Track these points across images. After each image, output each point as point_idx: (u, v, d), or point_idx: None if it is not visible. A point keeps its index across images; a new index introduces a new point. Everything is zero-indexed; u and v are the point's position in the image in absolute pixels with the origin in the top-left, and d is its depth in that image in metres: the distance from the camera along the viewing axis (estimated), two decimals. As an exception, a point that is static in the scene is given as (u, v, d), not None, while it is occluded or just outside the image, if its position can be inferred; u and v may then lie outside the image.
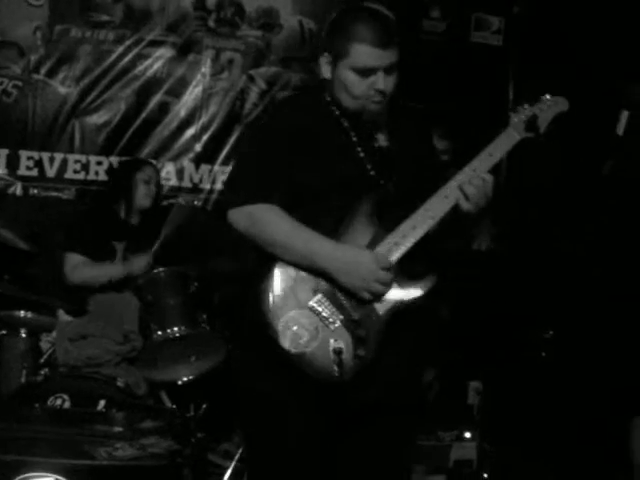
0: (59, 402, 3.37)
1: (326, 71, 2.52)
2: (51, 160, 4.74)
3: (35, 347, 3.87)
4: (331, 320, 2.41)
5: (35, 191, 4.76)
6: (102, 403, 3.38)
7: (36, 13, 4.68)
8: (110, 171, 4.78)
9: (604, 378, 4.59)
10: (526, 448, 4.30)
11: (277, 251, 2.44)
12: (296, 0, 5.15)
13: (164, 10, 4.90)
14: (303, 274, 2.44)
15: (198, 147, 5.00)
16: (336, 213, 2.47)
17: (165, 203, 4.82)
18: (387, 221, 2.48)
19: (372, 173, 2.53)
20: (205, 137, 5.02)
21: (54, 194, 4.75)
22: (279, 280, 2.44)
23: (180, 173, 4.99)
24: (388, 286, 2.42)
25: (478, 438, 4.16)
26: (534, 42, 5.13)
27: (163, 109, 4.95)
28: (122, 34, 4.85)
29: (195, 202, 4.72)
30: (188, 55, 4.98)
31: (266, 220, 2.45)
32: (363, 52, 2.42)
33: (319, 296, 2.43)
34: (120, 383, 3.55)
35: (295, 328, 2.38)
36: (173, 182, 4.97)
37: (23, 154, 4.72)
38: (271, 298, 2.41)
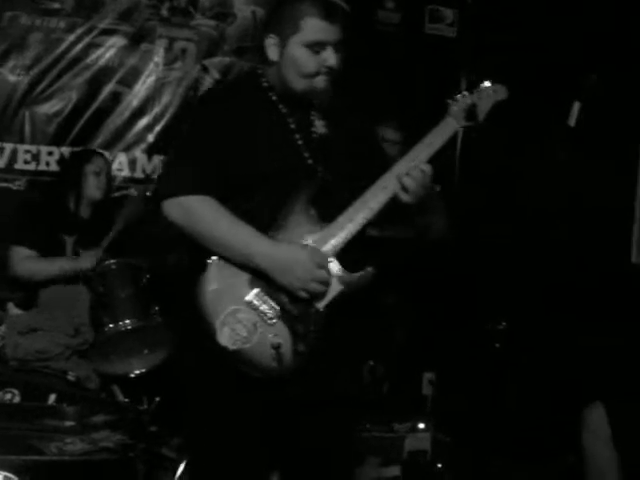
0: (9, 397, 3.32)
1: (273, 53, 2.48)
2: (1, 150, 4.66)
3: (-16, 341, 3.81)
4: (269, 315, 2.37)
5: (-16, 182, 4.69)
6: (52, 397, 3.34)
7: (-16, 0, 4.59)
8: (61, 162, 4.70)
9: (556, 369, 4.65)
10: (479, 438, 4.34)
11: (212, 246, 2.39)
12: (249, -10, 5.12)
13: (116, -2, 4.84)
14: (240, 269, 2.39)
15: (151, 137, 4.93)
16: (273, 203, 2.42)
17: (117, 194, 4.76)
18: (325, 211, 2.44)
19: (310, 162, 2.49)
20: (158, 127, 4.94)
21: (3, 185, 4.65)
22: (215, 275, 2.38)
23: (132, 164, 4.91)
24: (325, 284, 2.38)
25: (432, 429, 4.18)
26: (487, 33, 5.15)
27: (115, 99, 4.86)
28: (73, 22, 4.74)
29: (147, 193, 4.65)
30: (141, 44, 4.88)
31: (200, 212, 2.39)
32: (314, 25, 2.41)
33: (256, 291, 2.38)
34: (71, 377, 3.52)
35: (233, 324, 2.34)
36: (125, 173, 4.89)
37: (-28, 144, 4.64)
38: (207, 293, 2.36)
